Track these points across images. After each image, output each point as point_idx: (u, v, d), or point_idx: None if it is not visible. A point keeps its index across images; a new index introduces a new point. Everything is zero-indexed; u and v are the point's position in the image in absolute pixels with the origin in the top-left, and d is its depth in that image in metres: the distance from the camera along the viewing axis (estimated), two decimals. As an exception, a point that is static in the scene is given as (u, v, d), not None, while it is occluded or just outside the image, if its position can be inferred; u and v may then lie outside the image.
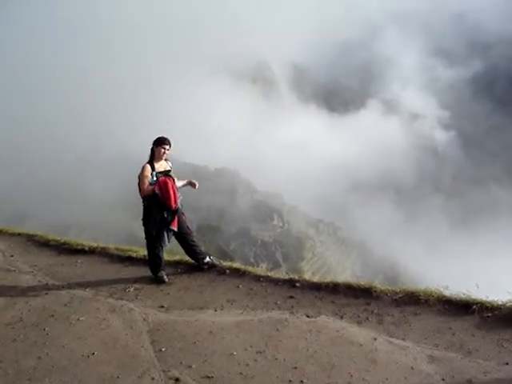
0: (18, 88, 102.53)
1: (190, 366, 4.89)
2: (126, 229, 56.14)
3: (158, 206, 7.38)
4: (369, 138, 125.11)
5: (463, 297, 6.10)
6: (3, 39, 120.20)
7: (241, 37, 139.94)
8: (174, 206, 7.34)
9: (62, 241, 9.92)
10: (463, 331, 5.48)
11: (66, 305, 6.68)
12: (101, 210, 61.83)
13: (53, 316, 6.28)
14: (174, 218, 7.53)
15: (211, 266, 7.94)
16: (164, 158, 7.62)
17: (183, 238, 7.84)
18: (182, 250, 8.08)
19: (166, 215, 7.40)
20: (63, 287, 7.47)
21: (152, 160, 7.56)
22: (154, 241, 7.57)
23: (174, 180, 7.52)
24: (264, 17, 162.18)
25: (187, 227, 7.90)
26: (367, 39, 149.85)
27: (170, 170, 7.66)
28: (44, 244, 9.94)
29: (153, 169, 7.47)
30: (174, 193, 7.36)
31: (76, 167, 70.04)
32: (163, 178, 7.39)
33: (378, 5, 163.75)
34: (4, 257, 9.14)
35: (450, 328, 5.56)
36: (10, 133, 77.25)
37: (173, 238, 7.77)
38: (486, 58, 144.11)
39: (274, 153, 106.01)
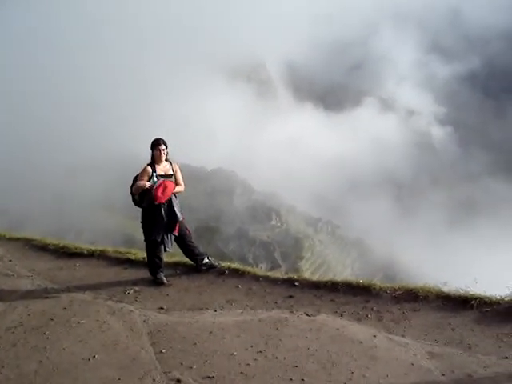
0: (15, 88, 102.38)
1: (191, 367, 4.89)
2: (124, 230, 56.08)
3: (156, 209, 7.41)
4: (366, 135, 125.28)
5: (462, 292, 6.14)
6: (4, 38, 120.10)
7: (236, 36, 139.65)
8: (160, 199, 7.34)
9: (61, 245, 9.92)
10: (462, 326, 5.50)
11: (65, 308, 6.68)
12: (98, 213, 61.79)
13: (52, 320, 6.28)
14: (176, 224, 7.57)
15: (210, 267, 7.95)
16: (163, 158, 7.60)
17: (182, 238, 7.85)
18: (180, 252, 8.09)
19: (165, 219, 7.45)
20: (62, 291, 7.47)
21: (153, 163, 7.58)
22: (156, 245, 7.59)
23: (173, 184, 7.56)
24: (259, 15, 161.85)
25: (185, 228, 7.92)
26: (362, 37, 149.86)
27: (171, 175, 7.66)
28: (42, 248, 9.94)
29: (154, 170, 7.50)
30: (167, 193, 7.37)
31: (73, 169, 69.93)
32: (163, 181, 7.41)
33: (373, 2, 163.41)
34: (2, 261, 9.13)
35: (450, 324, 5.59)
36: (7, 135, 77.10)
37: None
38: (483, 53, 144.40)
39: (270, 152, 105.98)
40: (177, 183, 7.68)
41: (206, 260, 7.94)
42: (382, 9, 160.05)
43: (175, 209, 7.56)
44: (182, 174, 7.83)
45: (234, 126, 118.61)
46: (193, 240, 8.00)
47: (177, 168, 7.79)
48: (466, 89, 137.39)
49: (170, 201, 7.50)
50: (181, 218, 7.64)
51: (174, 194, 7.63)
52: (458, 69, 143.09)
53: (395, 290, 6.52)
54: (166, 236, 7.57)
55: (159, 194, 7.25)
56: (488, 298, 5.90)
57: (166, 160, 7.70)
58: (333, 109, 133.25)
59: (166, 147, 7.62)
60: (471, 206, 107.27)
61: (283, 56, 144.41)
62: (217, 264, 8.02)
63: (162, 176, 7.51)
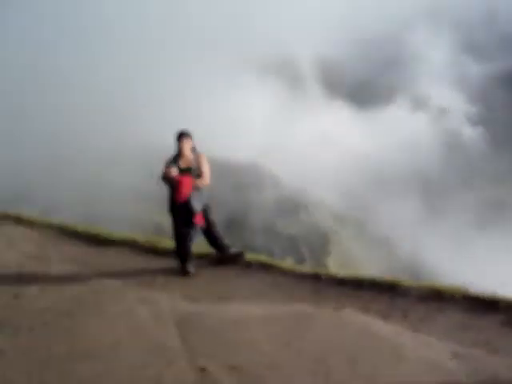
0: (43, 83, 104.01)
1: (217, 356, 4.97)
2: (154, 219, 56.55)
3: (173, 206, 7.51)
4: (396, 132, 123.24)
5: (489, 294, 6.08)
6: (14, 37, 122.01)
7: (267, 31, 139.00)
8: (179, 200, 7.36)
9: (92, 232, 10.08)
10: (488, 329, 5.47)
11: (95, 294, 6.82)
12: (128, 201, 62.34)
13: (83, 304, 6.43)
14: (193, 218, 7.52)
15: (235, 257, 7.96)
16: (186, 151, 7.53)
17: (207, 229, 7.87)
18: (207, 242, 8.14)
19: (186, 216, 7.47)
20: (93, 277, 7.62)
21: (177, 156, 7.59)
22: (181, 236, 7.65)
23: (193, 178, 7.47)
24: (292, 10, 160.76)
25: (211, 219, 7.92)
26: (396, 34, 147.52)
27: (192, 168, 7.54)
28: (75, 235, 10.11)
29: (175, 162, 7.49)
30: (184, 191, 7.35)
31: (104, 158, 70.68)
32: (180, 176, 7.38)
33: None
34: (36, 246, 9.33)
35: (475, 325, 5.56)
36: (37, 127, 78.27)
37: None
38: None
39: (299, 147, 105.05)
40: (200, 175, 7.54)
41: (231, 250, 7.93)
42: (417, 6, 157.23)
43: (192, 203, 7.43)
44: (208, 166, 7.67)
45: (264, 120, 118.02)
46: (218, 230, 7.97)
47: (202, 160, 7.65)
48: (499, 89, 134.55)
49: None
50: (199, 210, 7.53)
51: (195, 187, 7.52)
52: (493, 69, 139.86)
53: (421, 289, 6.49)
54: (191, 228, 7.58)
55: (178, 196, 7.33)
56: (515, 301, 5.85)
57: (193, 152, 7.65)
58: (364, 105, 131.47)
59: (189, 138, 7.59)
60: (500, 207, 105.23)
61: (315, 51, 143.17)
62: (241, 253, 8.00)
63: (182, 170, 7.44)
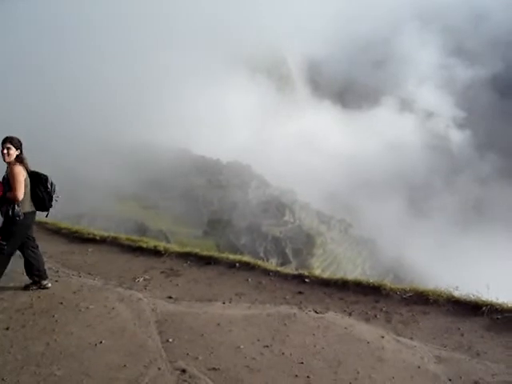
0: (39, 82, 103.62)
1: (197, 358, 4.90)
2: (136, 219, 56.37)
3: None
4: (382, 134, 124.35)
5: (473, 298, 6.08)
6: (23, 36, 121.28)
7: (256, 30, 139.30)
8: None
9: (74, 229, 9.99)
10: (472, 332, 5.45)
11: (75, 292, 6.72)
12: (112, 200, 62.08)
13: (62, 303, 6.32)
14: None
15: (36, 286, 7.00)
16: (6, 159, 6.67)
17: (21, 245, 6.90)
18: (191, 242, 8.06)
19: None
20: (73, 275, 7.53)
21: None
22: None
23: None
24: (280, 10, 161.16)
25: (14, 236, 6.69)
26: (385, 36, 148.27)
27: (5, 179, 6.69)
28: (56, 232, 10.00)
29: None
30: None
31: (90, 156, 70.35)
32: None
33: (397, 1, 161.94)
34: (16, 243, 9.17)
35: (459, 329, 5.54)
36: (28, 123, 77.84)
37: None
38: (505, 58, 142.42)
39: (286, 147, 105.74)
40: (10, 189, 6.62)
41: (43, 282, 6.98)
42: (406, 8, 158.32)
43: None
44: (19, 180, 6.59)
45: (251, 119, 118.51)
46: (37, 251, 7.07)
47: (12, 172, 6.62)
48: (487, 93, 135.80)
49: None
50: None
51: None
52: (482, 73, 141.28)
53: (405, 291, 6.48)
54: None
55: None
56: (499, 305, 5.83)
57: (15, 161, 6.69)
58: (351, 107, 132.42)
59: (15, 147, 6.71)
60: (483, 210, 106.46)
61: (304, 52, 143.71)
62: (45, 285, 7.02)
63: (3, 179, 6.69)
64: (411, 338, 5.35)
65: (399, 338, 5.35)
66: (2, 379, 4.53)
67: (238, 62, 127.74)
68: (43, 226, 10.39)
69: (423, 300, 6.25)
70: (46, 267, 7.08)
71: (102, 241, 9.36)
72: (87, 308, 6.16)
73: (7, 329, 5.57)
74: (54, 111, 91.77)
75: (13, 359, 4.88)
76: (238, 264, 7.86)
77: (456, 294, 6.26)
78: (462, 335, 5.39)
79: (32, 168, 6.94)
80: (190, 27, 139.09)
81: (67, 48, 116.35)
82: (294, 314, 5.97)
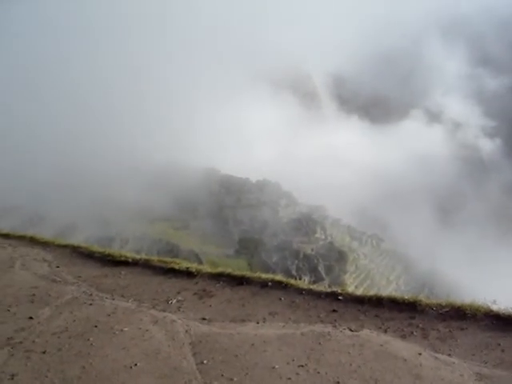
0: (54, 97, 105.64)
1: (232, 379, 4.86)
2: (168, 240, 56.73)
3: None
4: (411, 147, 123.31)
5: (513, 311, 5.91)
6: (34, 38, 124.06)
7: (282, 47, 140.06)
8: None
9: (106, 252, 10.05)
10: (514, 348, 5.29)
11: (109, 315, 6.75)
12: (143, 222, 62.66)
13: (96, 326, 6.35)
14: None
15: None
16: None
17: None
18: (224, 262, 8.04)
19: None
20: (107, 298, 7.56)
21: None
22: None
23: None
24: (306, 27, 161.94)
25: None
26: (411, 48, 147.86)
27: None
28: (88, 256, 10.09)
29: None
30: None
31: (112, 176, 71.24)
32: None
33: (422, 13, 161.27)
34: (50, 267, 9.30)
35: (499, 344, 5.38)
36: (47, 143, 79.42)
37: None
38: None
39: (314, 164, 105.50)
40: None
41: None
42: (431, 20, 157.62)
43: None
44: None
45: (279, 137, 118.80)
46: None
47: None
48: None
49: None
50: None
51: None
52: (507, 81, 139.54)
53: (441, 306, 6.34)
54: None
55: None
56: (541, 318, 5.67)
57: None
58: (379, 121, 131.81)
59: None
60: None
61: (329, 68, 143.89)
62: None
63: None
64: (449, 355, 5.22)
65: (437, 355, 5.22)
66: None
67: (263, 78, 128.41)
68: (76, 250, 10.51)
69: (460, 315, 6.10)
70: (81, 290, 7.12)
71: (134, 263, 9.40)
72: (121, 331, 6.17)
73: (44, 352, 5.62)
74: (82, 129, 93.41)
75: (50, 383, 4.91)
76: (270, 283, 7.79)
77: (494, 307, 6.09)
78: (503, 351, 5.23)
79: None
80: (212, 40, 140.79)
81: (102, 75, 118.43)
82: (329, 332, 5.89)
